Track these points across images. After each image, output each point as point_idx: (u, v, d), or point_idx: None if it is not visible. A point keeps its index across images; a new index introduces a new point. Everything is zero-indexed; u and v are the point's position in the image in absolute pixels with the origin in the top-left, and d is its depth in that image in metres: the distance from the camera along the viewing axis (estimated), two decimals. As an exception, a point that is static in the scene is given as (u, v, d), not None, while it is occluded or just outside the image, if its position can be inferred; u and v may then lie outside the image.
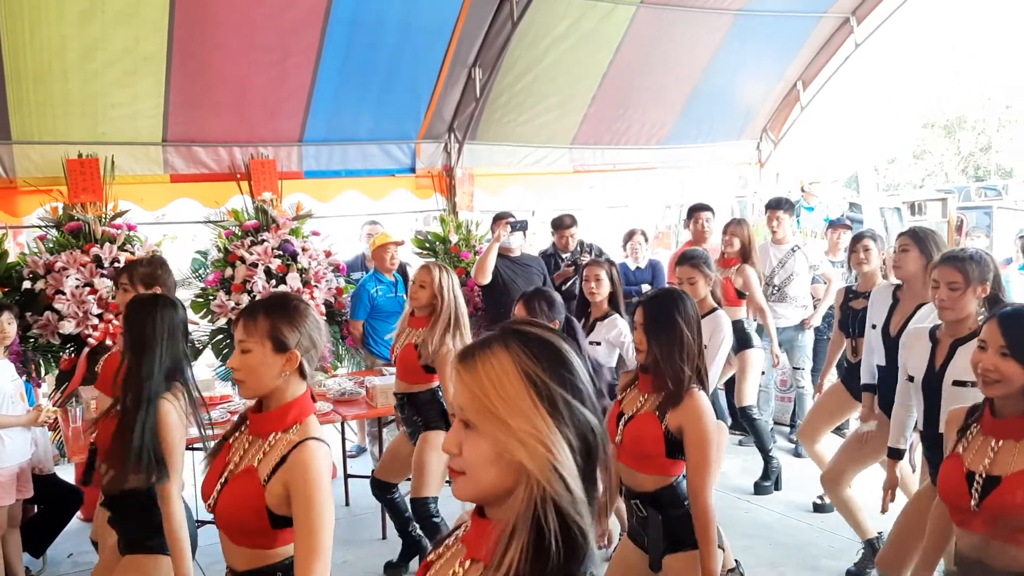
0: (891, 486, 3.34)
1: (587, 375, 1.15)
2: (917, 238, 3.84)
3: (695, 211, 6.15)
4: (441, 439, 3.95)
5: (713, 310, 4.09)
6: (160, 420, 2.62)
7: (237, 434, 2.15)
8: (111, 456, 2.69)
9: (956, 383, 2.97)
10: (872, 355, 4.07)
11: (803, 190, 8.07)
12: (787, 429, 6.56)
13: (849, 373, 4.60)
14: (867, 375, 4.10)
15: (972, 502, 2.21)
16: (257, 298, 5.37)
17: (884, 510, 3.32)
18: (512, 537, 1.05)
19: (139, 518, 2.72)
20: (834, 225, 6.57)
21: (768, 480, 5.43)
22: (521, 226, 5.78)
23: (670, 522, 2.64)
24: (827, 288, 6.09)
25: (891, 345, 3.72)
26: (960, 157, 26.95)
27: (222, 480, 2.08)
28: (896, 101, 25.93)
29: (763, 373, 5.91)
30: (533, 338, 1.14)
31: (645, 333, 2.69)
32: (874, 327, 3.99)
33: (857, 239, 4.82)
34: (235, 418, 2.25)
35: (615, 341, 4.27)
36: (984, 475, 2.21)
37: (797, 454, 6.01)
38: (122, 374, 2.73)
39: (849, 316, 4.69)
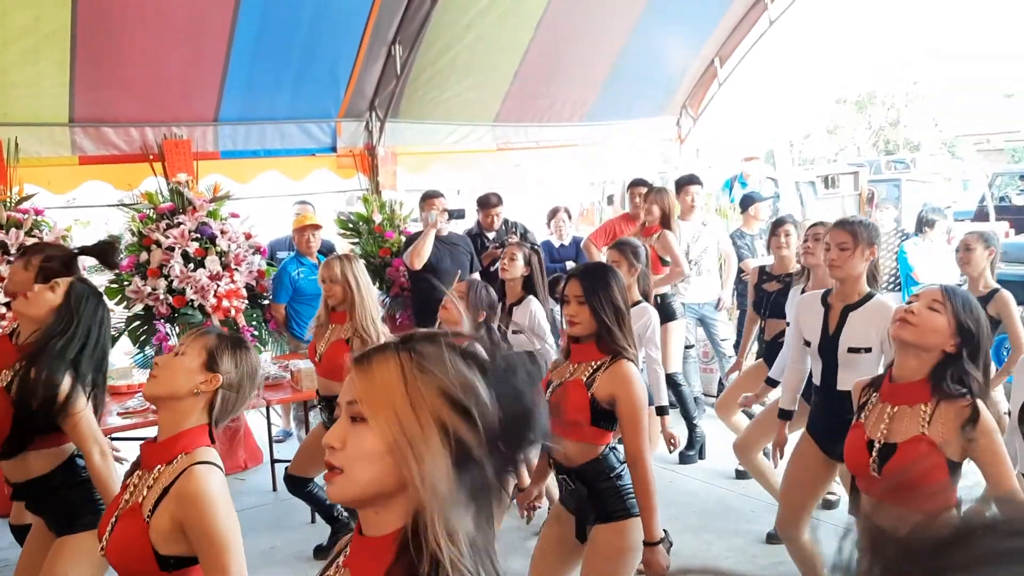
0: (780, 444, 3.52)
1: (488, 389, 1.11)
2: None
3: (633, 186, 6.24)
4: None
5: (638, 302, 4.11)
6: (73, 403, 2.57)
7: (136, 471, 2.03)
8: (7, 441, 2.62)
9: (851, 350, 3.13)
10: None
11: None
12: (713, 400, 6.72)
13: (769, 351, 4.72)
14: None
15: (872, 469, 2.31)
16: (175, 283, 5.25)
17: (775, 466, 3.54)
18: (395, 563, 1.04)
19: (59, 503, 2.65)
20: (751, 200, 6.73)
21: (692, 449, 5.56)
22: (459, 215, 5.79)
23: (597, 494, 2.68)
24: (727, 265, 6.27)
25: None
26: (871, 131, 27.86)
27: (112, 520, 1.95)
28: (810, 77, 26.58)
29: (690, 347, 6.04)
30: (430, 347, 1.12)
31: (582, 303, 2.72)
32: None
33: (779, 224, 4.93)
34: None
35: (531, 325, 4.31)
36: (882, 442, 2.31)
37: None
38: (29, 350, 2.64)
39: (763, 298, 4.81)
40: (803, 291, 4.66)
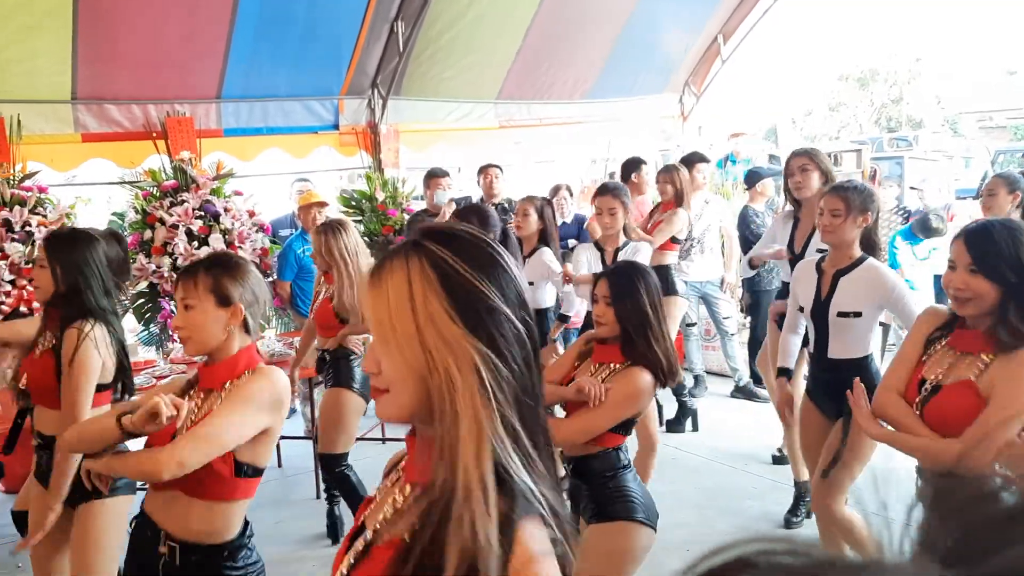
0: (786, 402, 3.51)
1: (517, 283, 1.05)
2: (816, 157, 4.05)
3: (634, 165, 6.22)
4: (345, 397, 4.03)
5: (628, 243, 4.31)
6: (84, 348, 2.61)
7: (191, 390, 2.14)
8: (47, 394, 2.69)
9: (840, 314, 3.15)
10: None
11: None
12: (718, 378, 6.75)
13: None
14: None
15: (916, 405, 2.31)
16: (179, 261, 5.26)
17: (788, 424, 3.61)
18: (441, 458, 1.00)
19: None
20: (757, 175, 6.71)
21: (682, 421, 5.65)
22: (465, 202, 5.79)
23: (595, 492, 2.62)
24: (730, 244, 6.26)
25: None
26: (873, 109, 27.75)
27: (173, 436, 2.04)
28: (812, 54, 26.47)
29: (692, 325, 6.06)
30: (446, 238, 1.05)
31: (609, 305, 2.65)
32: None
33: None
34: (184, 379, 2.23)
35: (545, 273, 4.37)
36: (933, 383, 2.30)
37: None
38: (54, 311, 2.71)
39: None
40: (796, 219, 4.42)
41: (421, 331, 1.01)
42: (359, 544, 1.10)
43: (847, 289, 3.16)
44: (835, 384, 3.01)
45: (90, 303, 2.70)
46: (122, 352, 2.79)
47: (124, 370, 2.80)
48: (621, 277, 2.68)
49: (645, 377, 2.58)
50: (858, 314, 3.15)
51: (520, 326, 1.03)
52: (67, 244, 2.75)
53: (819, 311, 3.23)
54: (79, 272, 2.70)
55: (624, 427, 2.64)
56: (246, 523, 2.18)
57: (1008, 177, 4.66)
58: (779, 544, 0.44)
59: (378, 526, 1.08)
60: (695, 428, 5.66)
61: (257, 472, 2.11)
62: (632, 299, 2.61)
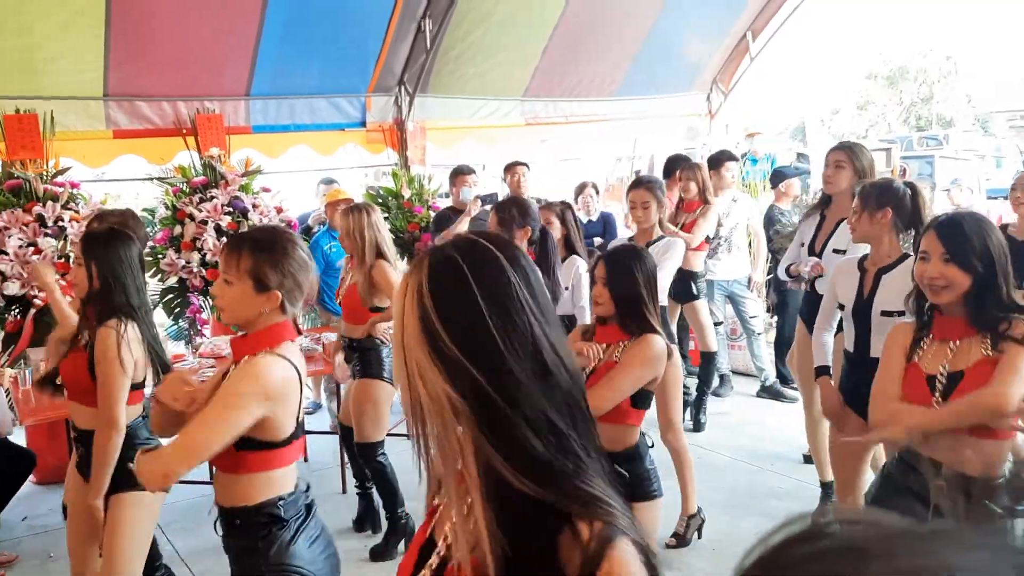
0: (837, 402, 3.37)
1: (533, 288, 1.03)
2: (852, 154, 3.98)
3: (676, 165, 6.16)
4: (376, 387, 4.03)
5: (662, 237, 4.26)
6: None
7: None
8: (81, 390, 2.75)
9: (884, 313, 3.12)
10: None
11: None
12: (744, 377, 6.71)
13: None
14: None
15: (935, 400, 2.30)
16: (208, 256, 5.30)
17: (841, 427, 3.46)
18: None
19: (120, 458, 2.73)
20: (782, 175, 6.67)
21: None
22: (491, 200, 5.78)
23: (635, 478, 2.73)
24: (757, 243, 6.21)
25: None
26: (902, 107, 27.45)
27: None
28: (841, 52, 26.22)
29: (718, 324, 6.03)
30: (439, 253, 1.03)
31: (605, 285, 2.75)
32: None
33: None
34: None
35: (576, 282, 4.34)
36: (947, 373, 2.30)
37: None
38: (90, 309, 2.76)
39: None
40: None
41: (405, 348, 1.02)
42: (434, 560, 1.08)
43: (891, 287, 3.12)
44: (871, 381, 2.98)
45: (122, 301, 2.75)
46: (155, 350, 2.82)
47: (158, 368, 2.83)
48: (618, 257, 2.81)
49: (657, 340, 2.70)
50: (901, 313, 3.11)
51: (536, 332, 1.00)
52: (102, 243, 2.80)
53: (861, 309, 3.21)
54: (112, 271, 2.75)
55: (643, 399, 2.74)
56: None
57: None
58: (852, 515, 0.47)
59: (447, 541, 1.07)
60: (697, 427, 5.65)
61: (271, 445, 2.06)
62: (627, 279, 2.72)
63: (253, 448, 2.02)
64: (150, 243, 5.49)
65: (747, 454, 5.25)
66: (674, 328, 5.32)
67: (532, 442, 0.97)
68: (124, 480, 2.71)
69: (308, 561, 2.05)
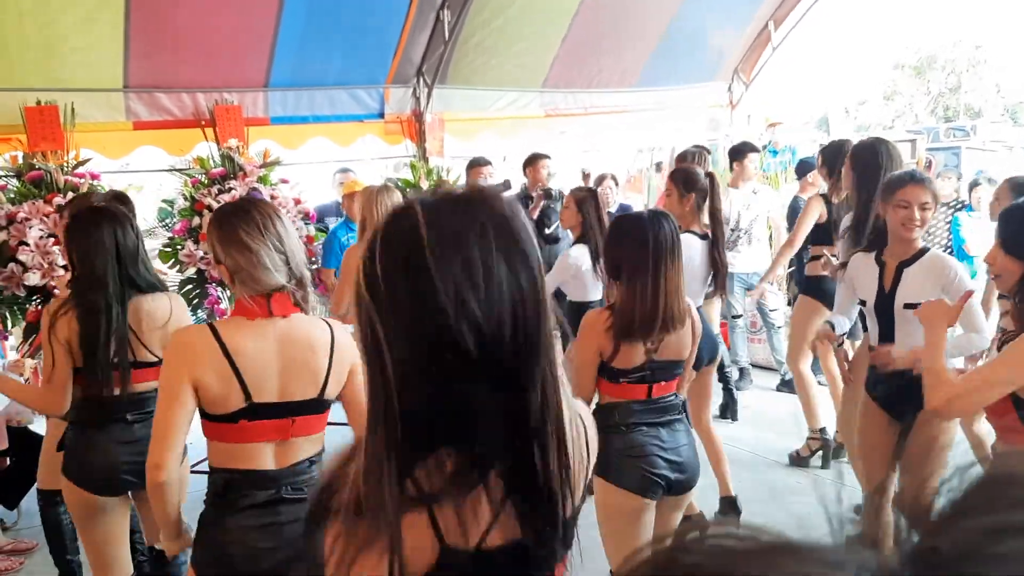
0: (840, 358, 3.64)
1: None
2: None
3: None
4: None
5: (690, 231, 4.16)
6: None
7: None
8: None
9: (907, 305, 3.06)
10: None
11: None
12: (764, 371, 6.66)
13: (809, 285, 4.78)
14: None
15: (1020, 419, 2.13)
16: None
17: (847, 381, 3.75)
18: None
19: None
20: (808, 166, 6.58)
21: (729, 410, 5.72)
22: (505, 187, 5.76)
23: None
24: (777, 235, 6.15)
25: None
26: (929, 98, 27.10)
27: None
28: (867, 41, 25.90)
29: (738, 316, 5.99)
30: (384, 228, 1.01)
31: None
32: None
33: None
34: None
35: (561, 264, 4.39)
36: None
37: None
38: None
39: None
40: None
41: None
42: None
43: (913, 280, 3.07)
44: (901, 379, 2.93)
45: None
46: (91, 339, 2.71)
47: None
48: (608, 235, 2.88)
49: (589, 315, 2.70)
50: None
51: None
52: (80, 229, 2.79)
53: (883, 304, 3.15)
54: (89, 258, 2.75)
55: (607, 373, 2.65)
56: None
57: None
58: (722, 528, 0.43)
59: None
60: (729, 417, 5.66)
61: (213, 417, 2.01)
62: (605, 253, 2.81)
63: (204, 417, 2.03)
64: (169, 234, 5.53)
65: (766, 448, 5.23)
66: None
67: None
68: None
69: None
